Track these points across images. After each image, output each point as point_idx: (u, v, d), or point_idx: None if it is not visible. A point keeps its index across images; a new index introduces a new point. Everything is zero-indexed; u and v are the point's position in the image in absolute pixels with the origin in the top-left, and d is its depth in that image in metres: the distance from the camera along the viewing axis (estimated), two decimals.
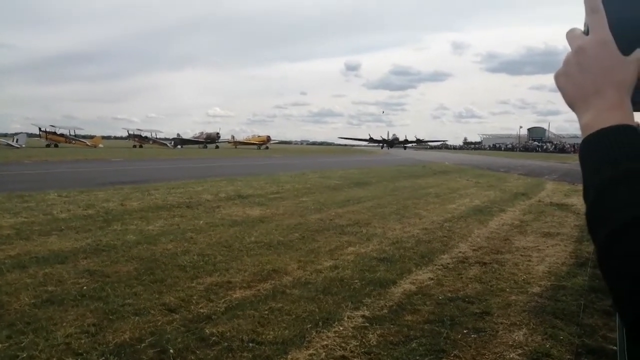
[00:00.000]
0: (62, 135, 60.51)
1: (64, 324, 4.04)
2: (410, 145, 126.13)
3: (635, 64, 0.59)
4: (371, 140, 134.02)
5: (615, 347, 3.57)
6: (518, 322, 4.38)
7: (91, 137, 71.00)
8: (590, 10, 0.62)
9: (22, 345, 3.64)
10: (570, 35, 0.65)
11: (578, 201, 13.27)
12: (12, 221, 8.13)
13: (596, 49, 0.60)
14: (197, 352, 3.64)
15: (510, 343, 3.95)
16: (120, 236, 7.31)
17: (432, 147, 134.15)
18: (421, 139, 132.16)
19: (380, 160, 43.85)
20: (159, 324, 4.12)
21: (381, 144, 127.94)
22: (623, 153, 0.53)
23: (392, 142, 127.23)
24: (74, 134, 63.51)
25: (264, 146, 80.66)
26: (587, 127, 0.59)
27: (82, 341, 3.74)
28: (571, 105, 0.63)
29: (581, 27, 0.65)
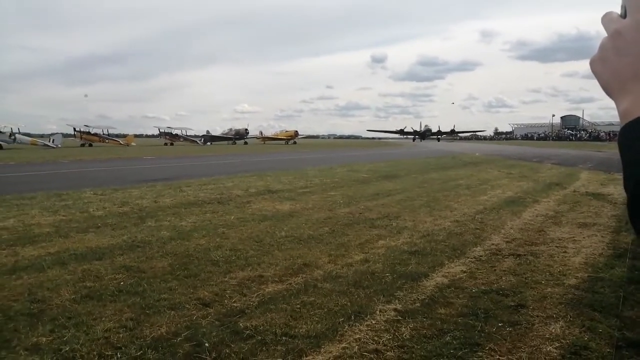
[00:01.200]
0: (95, 134, 62.07)
1: (103, 318, 4.16)
2: (443, 136, 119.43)
3: None
4: (402, 132, 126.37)
5: None
6: (554, 315, 4.29)
7: (124, 136, 72.55)
8: None
9: (65, 339, 3.76)
10: (606, 18, 0.62)
11: (615, 190, 12.88)
12: (51, 219, 8.40)
13: (634, 32, 0.58)
14: (232, 345, 3.70)
15: (547, 336, 3.88)
16: (154, 232, 7.47)
17: (461, 138, 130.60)
18: (455, 129, 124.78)
19: (409, 152, 43.49)
20: (194, 318, 4.20)
21: (413, 136, 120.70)
22: None
23: (425, 134, 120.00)
24: (107, 133, 65.11)
25: (291, 141, 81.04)
26: (625, 114, 0.57)
27: (121, 335, 3.85)
28: (608, 91, 0.61)
29: (616, 10, 0.63)
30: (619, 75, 0.59)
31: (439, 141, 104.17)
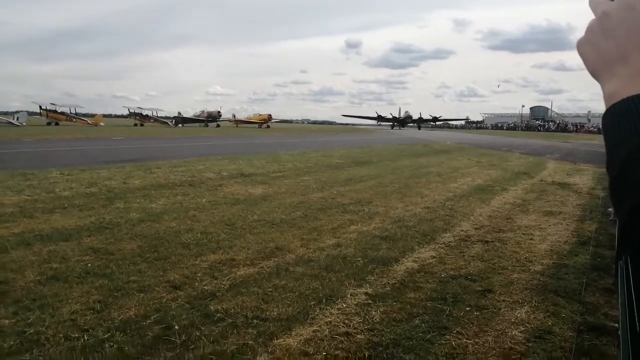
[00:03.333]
0: (62, 113, 60.22)
1: (70, 300, 4.08)
2: (424, 124, 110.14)
3: None
4: (380, 118, 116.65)
5: (616, 325, 3.60)
6: (520, 300, 4.41)
7: (92, 115, 70.66)
8: None
9: (29, 321, 3.67)
10: (594, 1, 0.62)
11: (580, 180, 13.27)
12: (15, 199, 8.15)
13: (622, 13, 0.58)
14: (202, 328, 3.67)
15: (513, 320, 3.98)
16: (123, 214, 7.33)
17: (433, 127, 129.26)
18: (437, 116, 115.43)
19: (382, 139, 43.72)
20: (164, 300, 4.15)
21: (391, 123, 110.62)
22: None
23: (405, 121, 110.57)
24: (74, 112, 63.19)
25: (265, 125, 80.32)
26: (611, 96, 0.56)
27: (88, 317, 3.78)
28: (594, 74, 0.61)
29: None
30: (605, 57, 0.59)
31: (419, 129, 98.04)
